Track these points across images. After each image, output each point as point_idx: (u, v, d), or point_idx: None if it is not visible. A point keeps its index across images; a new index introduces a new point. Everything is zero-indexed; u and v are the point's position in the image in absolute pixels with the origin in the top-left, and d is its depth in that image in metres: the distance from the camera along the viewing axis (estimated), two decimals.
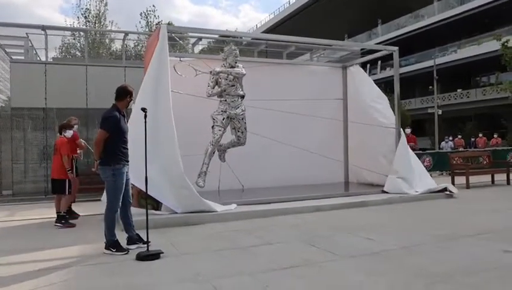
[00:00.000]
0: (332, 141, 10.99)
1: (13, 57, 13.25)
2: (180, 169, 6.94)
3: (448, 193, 9.45)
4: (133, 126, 5.82)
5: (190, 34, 12.50)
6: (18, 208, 9.76)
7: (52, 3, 71.65)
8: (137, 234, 5.31)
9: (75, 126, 7.95)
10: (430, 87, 31.74)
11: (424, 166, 15.95)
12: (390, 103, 30.66)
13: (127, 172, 5.19)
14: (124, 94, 5.30)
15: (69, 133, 7.42)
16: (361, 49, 14.94)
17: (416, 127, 33.89)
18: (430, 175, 15.94)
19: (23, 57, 13.27)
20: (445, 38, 34.75)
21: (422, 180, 9.73)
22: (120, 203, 5.11)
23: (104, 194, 5.58)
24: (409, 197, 8.95)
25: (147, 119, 5.08)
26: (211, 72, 8.49)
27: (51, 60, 13.76)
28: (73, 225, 7.03)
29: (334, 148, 10.96)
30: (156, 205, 7.02)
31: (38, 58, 13.83)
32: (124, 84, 5.53)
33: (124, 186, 5.11)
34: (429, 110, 33.44)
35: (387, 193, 9.16)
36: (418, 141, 17.77)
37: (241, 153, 9.17)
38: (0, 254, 5.16)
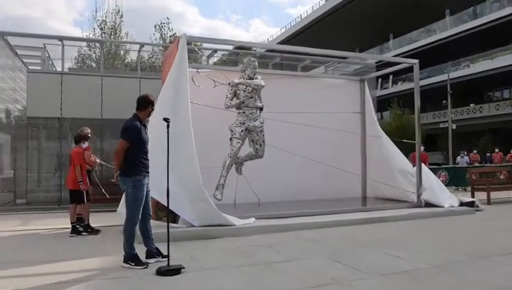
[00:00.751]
0: (350, 154, 10.82)
1: (30, 67, 13.33)
2: (199, 181, 6.83)
3: (476, 208, 9.39)
4: (152, 137, 5.72)
5: (205, 46, 12.58)
6: (32, 217, 9.72)
7: (66, 17, 73.00)
8: (157, 248, 5.17)
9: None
10: (444, 101, 31.46)
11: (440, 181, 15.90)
12: (404, 116, 30.32)
13: (147, 184, 5.07)
14: (146, 104, 5.20)
15: (85, 145, 7.44)
16: (376, 63, 14.85)
17: (429, 142, 33.57)
18: None
19: (39, 67, 13.35)
20: (458, 53, 34.55)
21: (446, 194, 9.74)
22: (140, 216, 4.99)
23: (121, 205, 5.47)
24: (429, 212, 8.76)
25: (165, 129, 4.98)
26: (229, 83, 8.42)
27: (67, 71, 13.84)
28: (84, 233, 7.11)
29: (351, 162, 10.78)
30: (173, 217, 6.89)
31: (54, 69, 13.91)
32: (145, 93, 5.44)
33: (144, 198, 5.00)
34: (441, 125, 33.11)
35: (415, 206, 9.10)
36: (430, 156, 17.63)
37: (257, 166, 9.05)
38: (18, 265, 5.08)
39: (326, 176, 10.23)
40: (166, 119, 4.94)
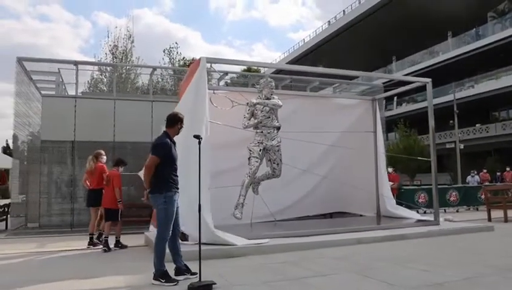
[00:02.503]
0: (362, 172, 10.85)
1: (43, 92, 13.51)
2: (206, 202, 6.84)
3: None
4: None
5: (217, 68, 12.76)
6: (50, 239, 9.63)
7: (72, 44, 74.40)
8: (186, 265, 5.17)
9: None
10: (451, 121, 31.53)
11: (451, 201, 15.82)
12: (411, 137, 30.35)
13: (177, 200, 5.10)
14: (175, 121, 5.27)
15: (122, 169, 7.95)
16: (384, 83, 15.04)
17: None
18: (457, 210, 15.73)
19: (53, 92, 13.53)
20: (462, 74, 34.85)
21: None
22: (170, 232, 4.99)
23: (151, 223, 5.46)
24: (448, 230, 8.81)
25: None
26: (247, 103, 8.53)
27: (80, 94, 14.02)
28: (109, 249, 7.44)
29: (365, 180, 10.81)
30: (183, 235, 6.89)
31: (66, 93, 14.10)
32: (174, 111, 5.52)
33: (174, 214, 5.02)
34: (447, 145, 33.12)
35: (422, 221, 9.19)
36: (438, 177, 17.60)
37: (272, 184, 9.11)
38: (49, 280, 5.10)
39: (339, 193, 10.30)
40: (197, 137, 5.00)
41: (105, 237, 7.58)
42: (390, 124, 33.27)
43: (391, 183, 12.32)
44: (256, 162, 8.32)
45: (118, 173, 7.80)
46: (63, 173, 12.41)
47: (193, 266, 5.08)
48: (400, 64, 41.31)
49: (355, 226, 8.63)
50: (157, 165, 4.97)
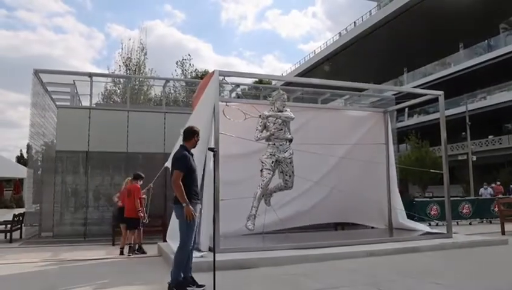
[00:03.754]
0: (374, 184, 10.83)
1: (57, 103, 13.75)
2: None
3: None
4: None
5: (229, 80, 12.90)
6: (64, 249, 9.74)
7: (85, 55, 75.50)
8: (192, 277, 5.20)
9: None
10: (463, 133, 31.29)
11: (463, 213, 15.67)
12: (423, 149, 30.03)
13: (198, 211, 5.22)
14: (192, 135, 5.40)
15: (141, 182, 8.57)
16: (396, 95, 15.02)
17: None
18: (470, 223, 15.56)
19: (68, 103, 13.76)
20: (474, 85, 34.61)
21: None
22: (192, 243, 5.09)
23: (170, 234, 5.53)
24: (461, 243, 8.73)
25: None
26: (260, 115, 8.61)
27: (94, 106, 14.24)
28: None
29: (376, 192, 10.79)
30: None
31: (80, 104, 14.33)
32: (190, 125, 5.63)
33: (196, 225, 5.12)
34: (460, 157, 32.83)
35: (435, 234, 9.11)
36: (450, 189, 17.35)
37: (284, 194, 9.16)
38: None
39: (350, 204, 10.31)
40: (212, 149, 5.11)
41: (129, 244, 8.48)
42: (401, 136, 33.11)
43: None
44: (269, 174, 8.38)
45: (138, 186, 8.45)
46: (77, 183, 12.58)
47: (205, 278, 5.12)
48: (411, 76, 41.17)
49: (367, 238, 8.60)
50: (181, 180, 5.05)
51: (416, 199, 17.55)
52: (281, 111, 8.62)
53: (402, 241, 8.53)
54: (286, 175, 8.75)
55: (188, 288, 5.06)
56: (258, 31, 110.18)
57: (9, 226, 11.82)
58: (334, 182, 10.22)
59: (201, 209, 5.73)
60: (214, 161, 5.10)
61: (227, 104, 9.05)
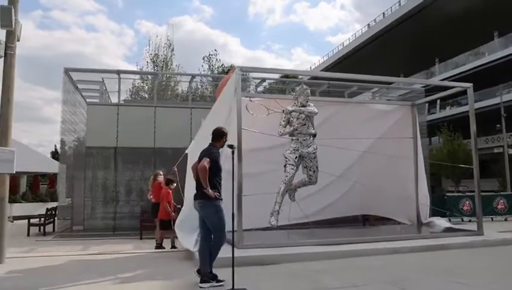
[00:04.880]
0: (402, 179, 10.60)
1: (88, 100, 14.09)
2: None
3: None
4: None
5: (253, 75, 12.92)
6: (94, 242, 10.01)
7: (117, 52, 76.97)
8: (211, 272, 5.27)
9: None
10: (498, 125, 30.21)
11: (498, 209, 15.16)
12: (455, 141, 29.04)
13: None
14: (220, 135, 5.55)
15: (173, 186, 8.93)
16: (424, 87, 14.62)
17: (481, 167, 32.06)
18: (505, 219, 15.02)
19: (97, 100, 14.08)
20: (510, 75, 33.30)
21: None
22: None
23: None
24: (492, 241, 8.41)
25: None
26: (283, 111, 8.56)
27: (122, 102, 14.51)
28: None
29: (403, 187, 10.56)
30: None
31: (110, 101, 14.63)
32: (220, 126, 5.74)
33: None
34: (495, 150, 31.74)
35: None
36: (483, 183, 16.64)
37: (308, 190, 9.09)
38: (94, 281, 5.42)
39: (379, 202, 10.13)
40: (231, 146, 5.16)
41: (157, 243, 8.91)
42: (433, 128, 32.26)
43: None
44: (292, 169, 8.33)
45: (169, 191, 8.95)
46: (106, 178, 12.87)
47: (224, 273, 5.17)
48: (443, 67, 39.97)
49: (392, 235, 8.42)
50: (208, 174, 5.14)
51: (447, 194, 17.11)
52: (305, 106, 8.53)
53: (429, 239, 8.32)
54: (310, 170, 8.67)
55: (207, 284, 5.12)
56: (286, 24, 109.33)
57: (42, 219, 12.29)
58: (359, 176, 10.06)
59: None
60: (233, 158, 5.12)
61: (251, 99, 9.04)
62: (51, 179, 26.20)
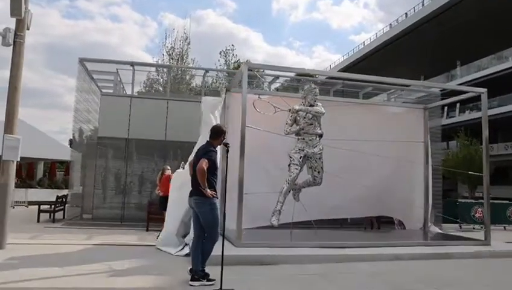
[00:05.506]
0: (409, 184, 10.42)
1: (103, 90, 14.23)
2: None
3: None
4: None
5: (268, 72, 12.81)
6: (99, 232, 10.06)
7: (139, 43, 77.56)
8: (203, 270, 5.24)
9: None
10: None
11: None
12: (472, 146, 28.44)
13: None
14: (219, 134, 5.48)
15: None
16: (441, 91, 14.31)
17: (500, 174, 31.38)
18: None
19: (111, 91, 14.20)
20: None
21: None
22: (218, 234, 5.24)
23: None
24: (500, 252, 8.15)
25: None
26: (289, 109, 8.48)
27: (136, 94, 14.61)
28: None
29: (411, 192, 10.38)
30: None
31: (124, 92, 14.74)
32: (218, 124, 5.71)
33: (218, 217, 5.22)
34: None
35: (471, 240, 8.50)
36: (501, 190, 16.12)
37: (314, 192, 9.00)
38: (84, 274, 5.41)
39: (386, 205, 9.97)
40: (226, 144, 5.13)
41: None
42: (452, 132, 31.67)
43: None
44: (296, 169, 8.25)
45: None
46: (116, 168, 13.01)
47: (224, 273, 5.10)
48: (465, 70, 39.13)
49: (395, 240, 8.27)
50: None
51: (459, 201, 16.77)
52: (312, 105, 8.43)
53: (433, 246, 8.15)
54: (315, 171, 8.57)
55: (197, 282, 5.10)
56: (308, 21, 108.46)
57: (53, 206, 12.49)
58: (366, 178, 9.89)
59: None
60: (227, 157, 5.11)
61: (260, 96, 8.96)
62: (68, 166, 26.62)
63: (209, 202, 5.14)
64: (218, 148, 5.61)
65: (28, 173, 24.92)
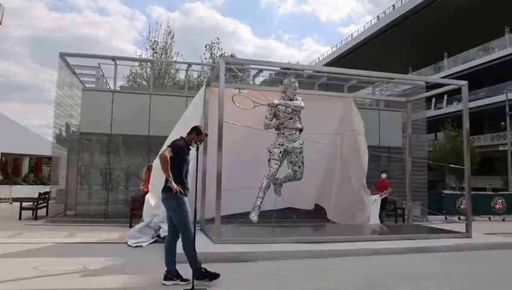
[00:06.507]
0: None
1: (87, 85, 14.03)
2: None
3: None
4: None
5: (248, 66, 12.69)
6: (81, 229, 9.97)
7: (128, 37, 76.91)
8: (176, 270, 5.14)
9: None
10: (503, 123, 29.74)
11: (496, 209, 14.93)
12: (459, 138, 28.76)
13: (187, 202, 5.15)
14: (191, 130, 5.36)
15: None
16: (427, 83, 14.34)
17: (486, 165, 31.66)
18: (503, 219, 14.78)
19: (94, 85, 14.01)
20: None
21: None
22: (192, 229, 5.07)
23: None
24: (481, 244, 8.17)
25: None
26: (269, 104, 8.41)
27: (119, 89, 14.42)
28: None
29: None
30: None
31: (108, 87, 14.55)
32: (200, 126, 5.57)
33: (189, 212, 5.07)
34: (500, 148, 31.31)
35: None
36: (488, 181, 16.25)
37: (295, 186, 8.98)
38: (60, 274, 5.31)
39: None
40: (196, 142, 5.07)
41: None
42: (439, 124, 31.89)
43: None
44: (276, 164, 8.20)
45: None
46: (99, 164, 12.85)
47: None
48: (452, 61, 39.36)
49: (374, 235, 8.28)
50: (171, 165, 4.98)
51: (444, 192, 16.89)
52: (292, 99, 8.37)
53: (412, 240, 8.09)
54: (295, 165, 8.53)
55: (170, 281, 5.02)
56: (297, 13, 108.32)
57: (35, 203, 12.32)
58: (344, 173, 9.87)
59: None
60: (197, 155, 5.07)
61: (240, 91, 8.88)
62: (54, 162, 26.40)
63: (176, 197, 4.97)
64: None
65: (13, 169, 24.69)
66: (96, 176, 12.95)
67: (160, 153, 5.15)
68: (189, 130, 5.40)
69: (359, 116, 10.38)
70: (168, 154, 4.92)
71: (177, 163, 5.04)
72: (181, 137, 5.37)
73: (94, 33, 79.77)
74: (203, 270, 5.05)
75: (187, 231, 5.02)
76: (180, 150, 5.09)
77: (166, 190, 5.01)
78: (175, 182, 4.96)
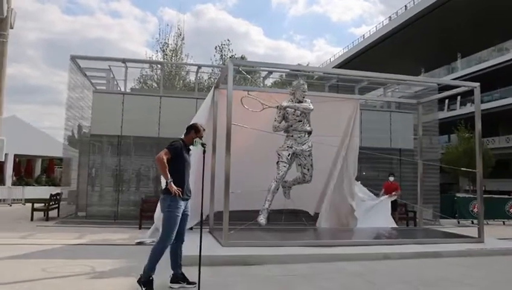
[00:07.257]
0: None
1: (98, 88, 14.14)
2: None
3: None
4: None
5: (258, 68, 12.68)
6: (91, 230, 10.03)
7: (139, 39, 77.60)
8: (182, 273, 5.07)
9: None
10: None
11: (511, 213, 14.66)
12: (472, 140, 28.47)
13: (185, 208, 5.03)
14: (189, 130, 5.30)
15: None
16: (439, 84, 14.16)
17: (501, 167, 31.15)
18: None
19: (105, 88, 14.11)
20: None
21: None
22: (173, 239, 4.90)
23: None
24: (493, 250, 8.00)
25: None
26: (277, 106, 8.36)
27: (129, 91, 14.50)
28: None
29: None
30: None
31: (119, 89, 14.63)
32: (196, 123, 5.51)
33: (179, 220, 4.92)
34: None
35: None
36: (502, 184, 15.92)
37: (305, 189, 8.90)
38: (60, 276, 5.27)
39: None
40: (203, 145, 5.01)
41: None
42: (453, 126, 31.48)
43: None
44: (284, 167, 8.15)
45: None
46: (110, 166, 12.93)
47: (207, 274, 5.08)
48: (466, 62, 38.80)
49: (385, 239, 8.16)
50: (169, 166, 4.88)
51: (457, 195, 16.64)
52: (301, 102, 8.31)
53: (423, 244, 7.96)
54: (304, 168, 8.47)
55: (176, 284, 4.98)
56: (308, 14, 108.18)
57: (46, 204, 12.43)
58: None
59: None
60: (204, 157, 5.00)
61: (249, 93, 8.84)
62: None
63: (169, 199, 4.85)
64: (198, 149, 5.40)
65: (26, 170, 24.96)
66: (107, 178, 13.03)
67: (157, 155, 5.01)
68: (185, 131, 5.32)
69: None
70: (164, 156, 4.84)
71: (175, 164, 4.95)
72: (181, 139, 5.30)
73: (106, 35, 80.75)
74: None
75: (166, 238, 4.84)
76: (177, 151, 5.00)
77: (165, 191, 4.93)
78: (174, 184, 4.86)
